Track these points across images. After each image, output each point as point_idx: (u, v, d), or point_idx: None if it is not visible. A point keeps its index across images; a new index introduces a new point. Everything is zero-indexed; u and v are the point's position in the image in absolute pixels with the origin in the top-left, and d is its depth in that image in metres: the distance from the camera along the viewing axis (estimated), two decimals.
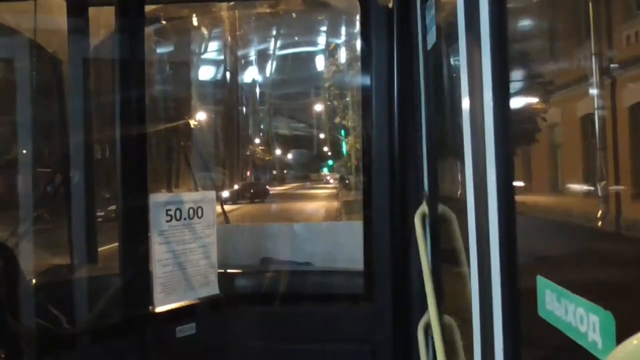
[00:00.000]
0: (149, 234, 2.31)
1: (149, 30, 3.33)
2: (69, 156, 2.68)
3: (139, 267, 2.28)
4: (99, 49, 2.75)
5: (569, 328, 0.85)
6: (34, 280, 2.58)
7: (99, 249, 2.78)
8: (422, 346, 1.79)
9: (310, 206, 16.82)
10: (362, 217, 2.56)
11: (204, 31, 5.05)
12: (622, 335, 0.65)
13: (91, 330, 2.19)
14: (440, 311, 1.68)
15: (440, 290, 1.80)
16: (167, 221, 2.35)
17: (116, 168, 2.26)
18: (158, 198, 2.34)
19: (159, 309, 2.30)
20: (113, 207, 2.50)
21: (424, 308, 1.80)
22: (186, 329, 2.34)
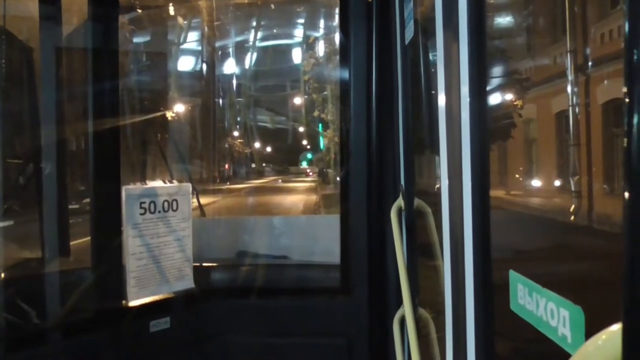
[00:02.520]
0: (122, 227, 2.27)
1: (123, 19, 3.27)
2: (40, 147, 2.61)
3: (112, 261, 2.24)
4: (71, 38, 2.68)
5: (540, 322, 0.86)
6: (2, 275, 2.52)
7: (73, 243, 2.73)
8: (397, 339, 1.80)
9: (289, 199, 16.80)
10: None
11: (181, 21, 4.97)
12: (591, 329, 0.66)
13: (63, 325, 2.15)
14: (415, 304, 1.69)
15: (416, 283, 1.81)
16: (141, 214, 2.32)
17: (89, 159, 2.21)
18: (132, 190, 2.30)
19: (133, 303, 2.26)
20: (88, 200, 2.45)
21: (400, 301, 1.81)
22: (160, 323, 2.31)
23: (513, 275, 0.97)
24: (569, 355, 0.51)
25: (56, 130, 2.54)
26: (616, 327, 0.45)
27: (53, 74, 2.52)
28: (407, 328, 1.62)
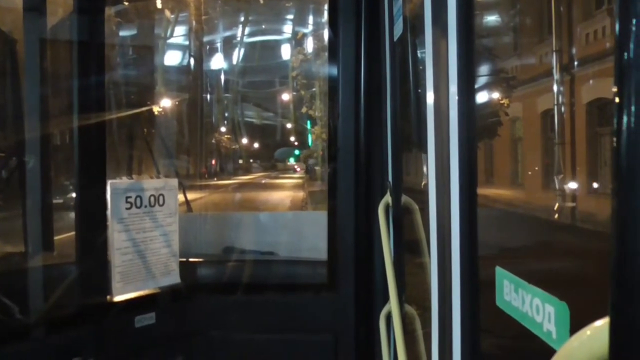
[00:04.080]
0: (108, 221, 2.25)
1: (109, 11, 3.23)
2: (24, 140, 2.58)
3: (97, 256, 2.22)
4: (56, 30, 2.64)
5: (525, 318, 0.86)
6: None
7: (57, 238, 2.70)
8: (383, 335, 1.80)
9: (276, 196, 16.76)
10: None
11: (168, 15, 4.92)
12: (576, 325, 0.67)
13: (46, 321, 2.13)
14: (402, 301, 1.70)
15: (402, 280, 1.82)
16: (127, 208, 2.30)
17: (74, 153, 2.19)
18: (117, 185, 2.28)
19: (118, 298, 2.25)
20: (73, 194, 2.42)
21: (386, 298, 1.82)
22: (145, 319, 2.30)
23: (499, 271, 0.98)
24: (554, 351, 0.51)
25: (40, 124, 2.50)
26: (600, 323, 0.46)
27: (37, 67, 2.48)
28: (393, 324, 1.63)
